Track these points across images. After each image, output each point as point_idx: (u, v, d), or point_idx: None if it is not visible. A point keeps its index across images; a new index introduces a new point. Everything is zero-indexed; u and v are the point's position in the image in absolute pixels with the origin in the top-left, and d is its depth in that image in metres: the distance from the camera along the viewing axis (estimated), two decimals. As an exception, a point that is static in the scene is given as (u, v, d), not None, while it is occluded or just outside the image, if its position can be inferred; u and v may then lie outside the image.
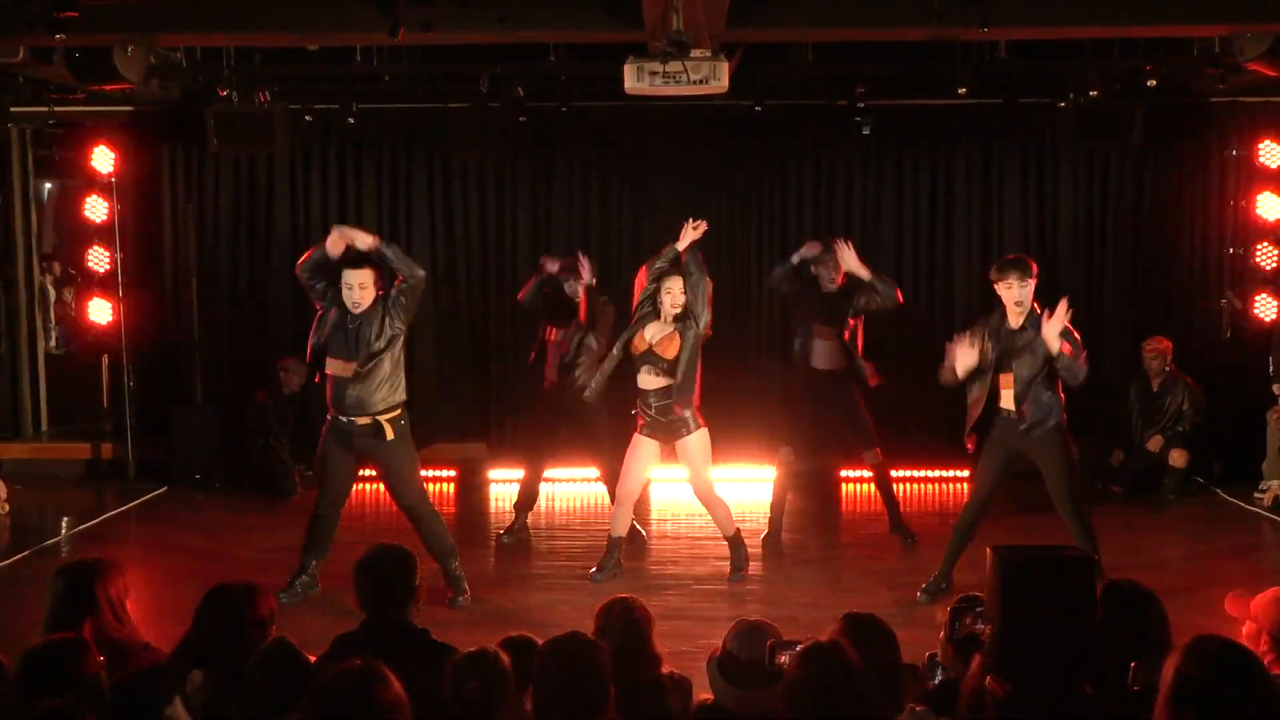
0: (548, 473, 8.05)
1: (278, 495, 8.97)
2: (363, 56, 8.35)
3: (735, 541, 6.97)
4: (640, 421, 6.82)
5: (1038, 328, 6.14)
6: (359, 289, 6.31)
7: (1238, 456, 9.12)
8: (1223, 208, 9.61)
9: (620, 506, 6.98)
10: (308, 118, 9.26)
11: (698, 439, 6.76)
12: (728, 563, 7.02)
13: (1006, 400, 6.31)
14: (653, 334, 6.72)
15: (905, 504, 8.17)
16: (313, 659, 3.53)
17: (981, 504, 6.50)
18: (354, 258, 6.42)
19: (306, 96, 9.14)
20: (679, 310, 6.70)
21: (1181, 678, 2.80)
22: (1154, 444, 8.91)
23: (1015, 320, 6.29)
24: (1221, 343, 9.58)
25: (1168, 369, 8.97)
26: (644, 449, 6.83)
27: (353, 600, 3.94)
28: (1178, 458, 8.79)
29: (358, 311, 6.34)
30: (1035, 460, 6.36)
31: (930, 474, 9.41)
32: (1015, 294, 6.23)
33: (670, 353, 6.66)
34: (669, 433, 6.77)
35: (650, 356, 6.69)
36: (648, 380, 6.73)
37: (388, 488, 6.65)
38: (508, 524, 7.93)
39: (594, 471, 8.93)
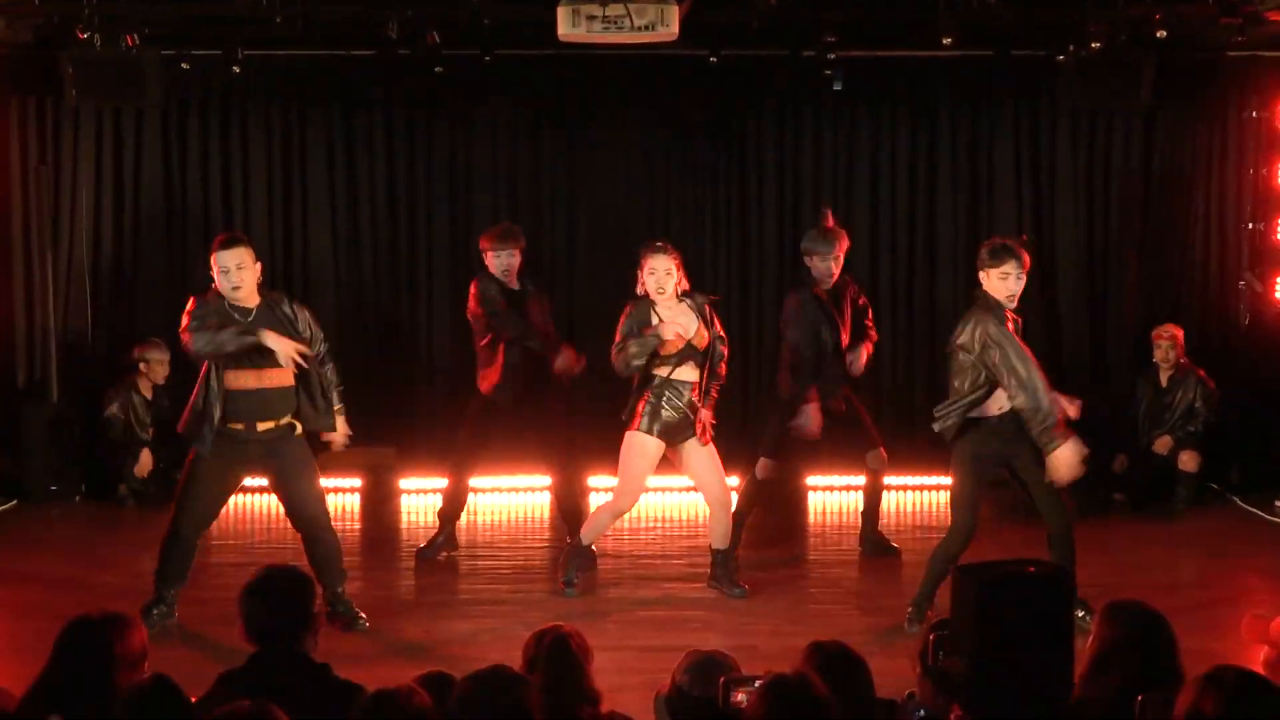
0: (472, 482, 8.06)
1: (149, 508, 8.86)
2: (250, -6, 8.26)
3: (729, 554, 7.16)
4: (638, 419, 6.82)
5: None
6: (236, 270, 6.20)
7: (1257, 460, 9.32)
8: (1240, 176, 9.78)
9: (604, 514, 7.11)
10: (184, 65, 9.12)
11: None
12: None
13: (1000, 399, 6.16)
14: (683, 326, 6.77)
15: (883, 516, 8.22)
16: (194, 700, 3.51)
17: (968, 538, 6.31)
18: (227, 239, 6.39)
19: (183, 40, 9.01)
20: (675, 287, 6.76)
21: (1197, 715, 2.85)
22: (1162, 446, 9.06)
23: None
24: (1238, 330, 9.76)
25: (1181, 360, 9.12)
26: (652, 449, 6.85)
27: (239, 631, 3.91)
28: (1189, 461, 8.94)
29: (239, 296, 6.22)
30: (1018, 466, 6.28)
31: (909, 480, 9.43)
32: (1013, 286, 6.14)
33: (703, 342, 6.80)
34: (680, 431, 6.84)
35: (690, 350, 6.78)
36: (687, 372, 6.80)
37: (283, 500, 6.58)
38: (429, 537, 7.92)
39: (525, 481, 9.03)
